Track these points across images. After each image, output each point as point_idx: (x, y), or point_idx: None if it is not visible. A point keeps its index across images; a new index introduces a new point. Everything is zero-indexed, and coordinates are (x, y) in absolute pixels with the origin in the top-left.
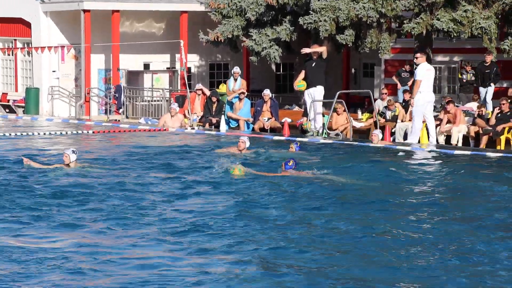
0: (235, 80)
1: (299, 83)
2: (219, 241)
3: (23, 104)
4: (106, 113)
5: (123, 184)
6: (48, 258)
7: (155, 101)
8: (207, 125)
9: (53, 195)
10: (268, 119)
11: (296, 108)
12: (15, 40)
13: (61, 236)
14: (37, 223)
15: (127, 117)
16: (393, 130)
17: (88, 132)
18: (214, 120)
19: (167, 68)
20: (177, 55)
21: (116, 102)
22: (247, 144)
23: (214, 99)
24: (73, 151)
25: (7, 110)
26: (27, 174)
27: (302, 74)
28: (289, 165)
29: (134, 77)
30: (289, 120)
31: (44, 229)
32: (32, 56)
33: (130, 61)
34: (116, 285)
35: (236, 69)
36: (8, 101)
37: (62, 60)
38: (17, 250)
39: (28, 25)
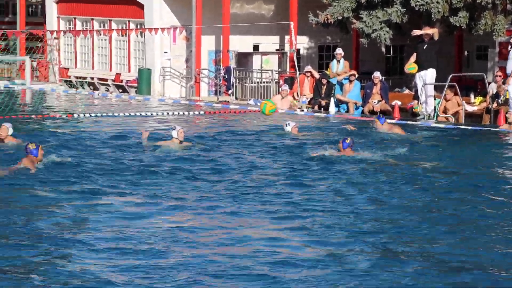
0: (338, 62)
1: (410, 65)
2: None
3: (136, 85)
4: (215, 94)
5: (229, 163)
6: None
7: (264, 82)
8: (316, 107)
9: (168, 171)
10: (378, 101)
11: (407, 91)
12: (129, 21)
13: (176, 213)
14: (154, 200)
15: (236, 98)
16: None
17: (198, 113)
18: (323, 102)
19: (276, 50)
20: (287, 37)
21: (226, 83)
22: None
23: (323, 81)
24: (181, 128)
25: (121, 90)
26: (139, 150)
27: (413, 57)
28: (346, 143)
29: (243, 58)
30: (399, 103)
31: (161, 206)
32: (144, 37)
33: (239, 43)
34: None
35: (339, 51)
36: (121, 81)
37: (174, 41)
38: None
39: (141, 6)
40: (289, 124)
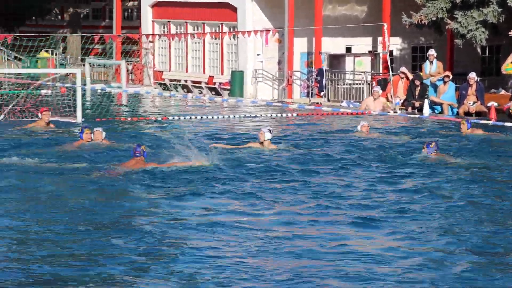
0: (431, 63)
1: (507, 66)
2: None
3: (228, 87)
4: (308, 96)
5: (321, 166)
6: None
7: (356, 84)
8: (409, 109)
9: (258, 174)
10: (474, 103)
11: (503, 92)
12: (222, 24)
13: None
14: (249, 201)
15: (328, 100)
16: None
17: (291, 115)
18: (417, 104)
19: (369, 51)
20: (379, 38)
21: (318, 85)
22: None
23: (417, 82)
24: (269, 130)
25: (213, 93)
26: (229, 152)
27: (510, 57)
28: (430, 148)
29: (335, 60)
30: (495, 104)
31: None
32: (237, 40)
33: (332, 45)
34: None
35: (432, 52)
36: (215, 83)
37: (266, 44)
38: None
39: (234, 9)
40: (362, 125)
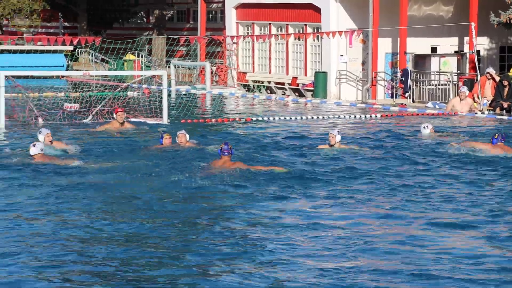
0: None
1: None
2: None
3: (312, 88)
4: (392, 97)
5: (400, 167)
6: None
7: (442, 85)
8: (497, 110)
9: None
10: None
11: None
12: (305, 25)
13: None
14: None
15: (413, 101)
16: None
17: (375, 116)
18: (505, 105)
19: (455, 52)
20: (466, 38)
21: (403, 86)
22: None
23: (505, 82)
24: (338, 132)
25: (297, 94)
26: (313, 154)
27: None
28: (495, 139)
29: (421, 60)
30: None
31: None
32: (321, 40)
33: (417, 45)
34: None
35: None
36: (298, 85)
37: (350, 45)
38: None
39: (318, 10)
40: (427, 126)
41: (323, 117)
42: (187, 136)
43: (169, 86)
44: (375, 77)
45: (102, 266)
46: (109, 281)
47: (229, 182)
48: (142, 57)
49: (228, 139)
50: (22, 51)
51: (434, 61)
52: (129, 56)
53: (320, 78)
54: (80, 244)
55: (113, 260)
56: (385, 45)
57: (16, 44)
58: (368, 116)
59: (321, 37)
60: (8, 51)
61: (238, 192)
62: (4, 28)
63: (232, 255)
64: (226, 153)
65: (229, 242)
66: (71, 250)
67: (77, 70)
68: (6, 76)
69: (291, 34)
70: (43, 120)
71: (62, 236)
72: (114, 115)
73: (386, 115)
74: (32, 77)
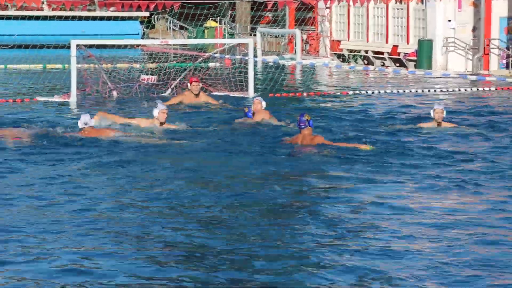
0: None
1: None
2: None
3: (415, 58)
4: (507, 67)
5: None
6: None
7: None
8: None
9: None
10: None
11: None
12: None
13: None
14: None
15: None
16: None
17: (489, 90)
18: None
19: None
20: None
21: None
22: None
23: None
24: (444, 108)
25: (398, 64)
26: (415, 130)
27: None
28: None
29: None
30: None
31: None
32: (426, 4)
33: None
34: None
35: None
36: (399, 54)
37: (459, 8)
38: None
39: None
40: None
41: (428, 91)
42: (263, 103)
43: (255, 56)
44: (487, 45)
45: (189, 256)
46: (200, 268)
47: (310, 161)
48: (224, 23)
49: (321, 115)
50: (94, 18)
51: None
52: (211, 23)
53: (425, 47)
54: (162, 230)
55: (196, 248)
56: (499, 8)
57: (88, 10)
58: (480, 89)
59: (425, 0)
60: (80, 18)
61: (322, 173)
62: None
63: (327, 245)
64: (302, 126)
65: (323, 229)
66: (153, 235)
67: (154, 38)
68: (77, 45)
69: None
70: (118, 94)
71: (145, 220)
72: (188, 85)
73: (501, 88)
74: (106, 46)
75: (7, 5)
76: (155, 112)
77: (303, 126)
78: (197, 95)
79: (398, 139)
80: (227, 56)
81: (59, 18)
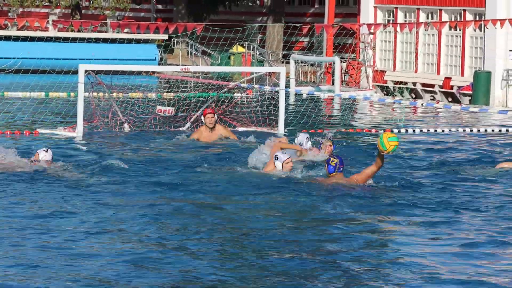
0: None
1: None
2: None
3: (470, 92)
4: None
5: None
6: None
7: None
8: None
9: None
10: None
11: None
12: (464, 10)
13: None
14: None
15: None
16: None
17: None
18: None
19: None
20: None
21: None
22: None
23: None
24: None
25: (450, 99)
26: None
27: None
28: None
29: None
30: None
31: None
32: (484, 31)
33: None
34: None
35: None
36: (452, 87)
37: None
38: None
39: None
40: None
41: (485, 130)
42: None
43: (287, 86)
44: None
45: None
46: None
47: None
48: (253, 49)
49: (358, 154)
50: (105, 40)
51: None
52: (237, 48)
53: (482, 80)
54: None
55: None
56: None
57: (98, 32)
58: None
59: (484, 26)
60: (89, 40)
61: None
62: (83, 12)
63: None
64: (338, 170)
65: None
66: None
67: (173, 64)
68: (86, 71)
69: (445, 22)
70: (129, 127)
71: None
72: (202, 118)
73: None
74: (118, 72)
75: (7, 24)
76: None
77: (339, 170)
78: (212, 128)
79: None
80: (257, 86)
81: (66, 40)
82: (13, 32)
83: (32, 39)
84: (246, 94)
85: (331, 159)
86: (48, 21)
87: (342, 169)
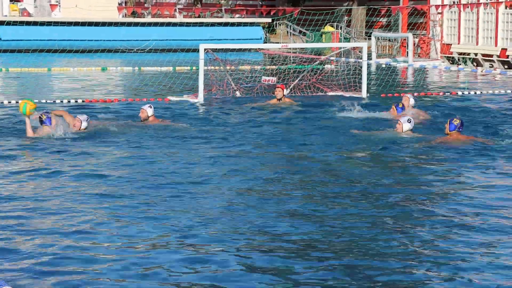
0: None
1: None
2: None
3: None
4: None
5: None
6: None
7: None
8: None
9: None
10: None
11: None
12: None
13: None
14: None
15: None
16: None
17: None
18: None
19: None
20: None
21: None
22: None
23: None
24: None
25: (506, 67)
26: None
27: None
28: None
29: None
30: None
31: None
32: None
33: None
34: None
35: None
36: (507, 56)
37: None
38: None
39: None
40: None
41: None
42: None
43: (369, 58)
44: None
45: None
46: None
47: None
48: (340, 28)
49: (431, 115)
50: (220, 24)
51: None
52: (328, 28)
53: None
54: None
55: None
56: None
57: (215, 17)
58: None
59: None
60: (208, 24)
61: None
62: (203, 1)
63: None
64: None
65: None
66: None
67: (275, 42)
68: (205, 49)
69: (501, 2)
70: (240, 94)
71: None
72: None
73: None
74: (230, 50)
75: (143, 13)
76: None
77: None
78: (280, 100)
79: None
80: (343, 59)
81: (189, 24)
82: (148, 19)
83: (162, 24)
84: (331, 65)
85: (454, 118)
86: (175, 9)
87: (461, 129)
